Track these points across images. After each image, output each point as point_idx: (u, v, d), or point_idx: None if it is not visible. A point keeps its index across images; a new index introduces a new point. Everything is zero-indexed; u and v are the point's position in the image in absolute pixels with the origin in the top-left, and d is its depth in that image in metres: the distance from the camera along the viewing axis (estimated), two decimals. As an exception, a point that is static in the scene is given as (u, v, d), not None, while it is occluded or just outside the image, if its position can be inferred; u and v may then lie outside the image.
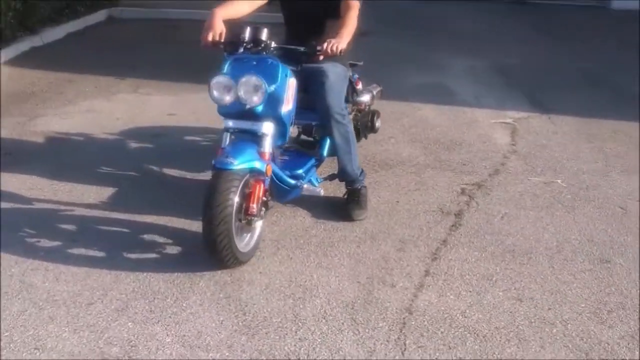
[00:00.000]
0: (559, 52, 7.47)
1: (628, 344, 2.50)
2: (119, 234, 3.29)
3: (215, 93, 2.95)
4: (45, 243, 3.18)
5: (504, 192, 3.85)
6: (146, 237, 3.26)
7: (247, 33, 3.08)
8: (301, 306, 2.70)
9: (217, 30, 3.13)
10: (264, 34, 3.06)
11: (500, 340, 2.51)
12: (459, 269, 3.01)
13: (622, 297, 2.81)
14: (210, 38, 3.14)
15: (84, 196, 3.69)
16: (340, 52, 3.06)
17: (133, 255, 3.07)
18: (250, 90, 2.89)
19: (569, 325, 2.61)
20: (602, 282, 2.93)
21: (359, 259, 3.08)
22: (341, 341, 2.48)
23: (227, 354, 2.41)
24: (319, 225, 3.38)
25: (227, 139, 3.03)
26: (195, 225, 3.16)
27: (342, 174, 3.47)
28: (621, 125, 5.00)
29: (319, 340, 2.48)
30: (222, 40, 3.12)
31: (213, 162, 2.85)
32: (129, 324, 2.58)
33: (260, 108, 2.94)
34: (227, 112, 3.02)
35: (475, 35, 8.12)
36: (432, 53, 7.15)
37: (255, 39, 3.06)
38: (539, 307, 2.72)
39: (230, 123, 3.02)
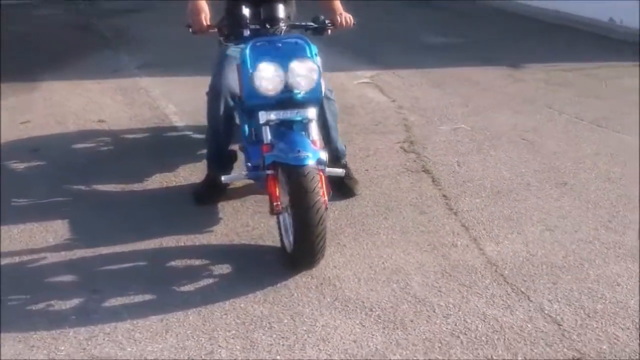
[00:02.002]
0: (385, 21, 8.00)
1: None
2: (134, 271, 2.77)
3: (263, 83, 2.64)
4: (63, 305, 2.50)
5: (433, 144, 4.20)
6: (173, 264, 2.80)
7: (264, 11, 2.79)
8: (407, 287, 2.68)
9: (207, 12, 2.78)
10: (281, 11, 2.80)
11: (578, 262, 2.86)
12: (483, 216, 3.27)
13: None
14: (204, 22, 2.76)
15: (42, 239, 2.97)
16: (354, 23, 2.99)
17: (184, 288, 2.63)
18: (304, 75, 2.65)
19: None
20: (584, 197, 3.48)
21: (399, 230, 3.12)
22: (479, 307, 2.55)
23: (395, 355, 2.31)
24: (332, 208, 3.29)
25: (268, 132, 2.73)
26: (213, 237, 2.99)
27: (335, 151, 3.41)
28: (448, 72, 5.76)
29: (461, 312, 2.52)
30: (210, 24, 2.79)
31: (275, 159, 2.60)
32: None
33: (309, 94, 2.72)
34: (266, 103, 2.72)
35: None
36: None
37: (272, 18, 2.79)
38: (570, 229, 3.14)
39: (273, 115, 2.73)
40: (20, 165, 3.73)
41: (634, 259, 2.89)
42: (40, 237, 2.99)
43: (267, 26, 2.82)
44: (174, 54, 6.05)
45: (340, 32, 3.12)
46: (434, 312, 2.52)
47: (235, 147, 3.39)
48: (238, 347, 2.29)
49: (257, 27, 2.82)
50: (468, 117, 4.69)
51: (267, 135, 2.73)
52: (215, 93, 3.11)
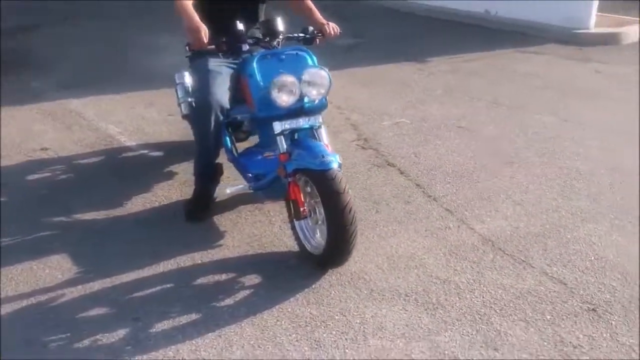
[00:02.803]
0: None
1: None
2: (165, 294, 2.76)
3: (281, 96, 2.73)
4: (111, 337, 2.46)
5: (385, 139, 4.48)
6: (201, 282, 2.83)
7: (263, 25, 2.89)
8: (427, 270, 2.92)
9: (206, 30, 2.85)
10: (280, 24, 2.92)
11: (554, 229, 3.25)
12: (459, 199, 3.60)
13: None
14: (205, 39, 2.82)
15: (49, 276, 2.87)
16: (340, 32, 3.16)
17: (224, 303, 2.68)
18: (317, 84, 2.79)
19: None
20: (532, 172, 3.93)
21: (394, 220, 3.36)
22: (494, 279, 2.85)
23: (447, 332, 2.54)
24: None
25: (283, 142, 2.84)
26: (227, 250, 3.03)
27: None
28: (368, 71, 6.11)
29: (483, 285, 2.80)
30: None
31: (299, 166, 2.72)
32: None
33: (319, 101, 2.86)
34: (278, 113, 2.82)
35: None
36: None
37: (271, 32, 2.90)
38: (535, 201, 3.55)
39: (287, 125, 2.84)
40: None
41: (596, 220, 3.34)
42: (46, 275, 2.85)
43: (267, 39, 2.92)
44: (93, 72, 5.83)
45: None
46: (460, 289, 2.78)
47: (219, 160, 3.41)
48: (306, 348, 2.40)
49: (256, 41, 2.91)
50: (404, 111, 5.02)
51: (283, 144, 2.83)
52: (205, 109, 3.13)
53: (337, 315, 2.59)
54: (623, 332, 2.50)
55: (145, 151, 4.25)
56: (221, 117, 3.19)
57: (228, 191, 3.08)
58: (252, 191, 3.15)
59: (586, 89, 5.72)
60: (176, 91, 3.94)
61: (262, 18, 3.44)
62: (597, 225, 3.30)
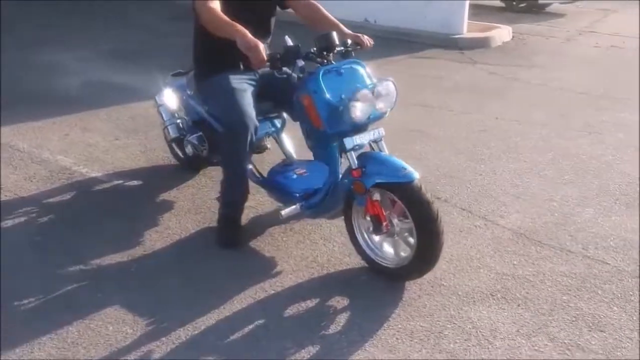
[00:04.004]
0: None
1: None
2: (257, 333, 2.56)
3: (363, 111, 2.67)
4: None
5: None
6: (287, 314, 2.67)
7: (321, 40, 2.80)
8: (491, 269, 3.04)
9: (262, 45, 2.73)
10: (336, 38, 2.85)
11: (565, 216, 3.57)
12: (467, 197, 3.78)
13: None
14: (264, 55, 2.70)
15: (115, 333, 2.51)
16: (372, 43, 3.16)
17: (330, 331, 2.57)
18: (389, 96, 2.77)
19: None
20: (508, 167, 4.24)
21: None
22: (554, 269, 3.05)
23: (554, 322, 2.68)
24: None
25: (354, 157, 2.78)
26: (290, 277, 2.90)
27: None
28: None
29: (548, 275, 2.99)
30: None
31: (381, 181, 2.68)
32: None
33: (384, 113, 2.84)
34: (345, 129, 2.75)
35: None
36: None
37: (329, 46, 2.83)
38: (532, 192, 3.84)
39: (358, 140, 2.78)
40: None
41: (588, 205, 3.72)
42: (113, 332, 2.48)
43: (324, 53, 2.83)
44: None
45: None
46: (531, 281, 2.94)
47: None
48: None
49: (314, 56, 2.81)
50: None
51: (354, 160, 2.76)
52: (240, 130, 2.93)
53: (448, 324, 2.60)
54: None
55: (120, 181, 3.86)
56: (254, 138, 3.03)
57: (284, 214, 2.92)
58: (302, 211, 3.01)
59: (492, 89, 6.27)
60: (160, 114, 3.67)
61: (272, 31, 3.31)
62: (592, 209, 3.67)
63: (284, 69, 2.80)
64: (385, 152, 2.88)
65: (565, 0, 11.96)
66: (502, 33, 8.70)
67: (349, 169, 2.79)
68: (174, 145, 3.80)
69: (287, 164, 3.30)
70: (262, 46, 2.69)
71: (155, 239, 3.19)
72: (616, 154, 4.52)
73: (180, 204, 3.57)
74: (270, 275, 2.90)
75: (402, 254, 2.83)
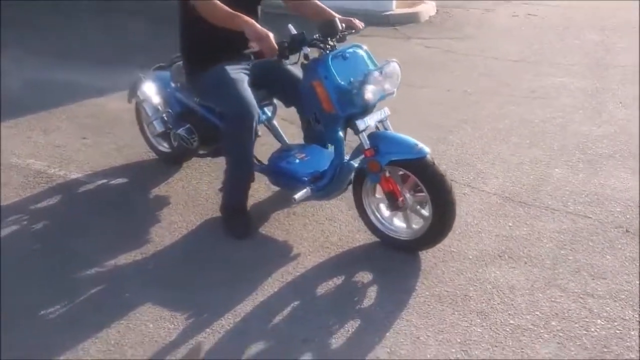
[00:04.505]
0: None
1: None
2: (304, 310, 2.65)
3: (374, 92, 2.78)
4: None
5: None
6: (323, 291, 2.78)
7: (325, 26, 2.88)
8: (492, 232, 3.27)
9: (271, 34, 2.79)
10: (339, 24, 2.93)
11: (562, 181, 3.85)
12: (450, 166, 3.99)
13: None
14: (275, 44, 2.76)
15: (167, 332, 2.53)
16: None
17: (369, 304, 2.70)
18: (395, 77, 2.89)
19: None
20: (481, 145, 4.49)
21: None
22: (551, 224, 3.31)
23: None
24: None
25: (366, 138, 2.89)
26: (310, 259, 3.00)
27: None
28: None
29: (549, 233, 3.25)
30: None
31: (396, 158, 2.81)
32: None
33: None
34: (354, 112, 2.86)
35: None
36: None
37: (333, 32, 2.91)
38: (516, 163, 4.10)
39: (368, 120, 2.89)
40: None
41: (556, 165, 4.02)
42: (160, 331, 2.50)
43: (328, 39, 2.90)
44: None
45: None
46: (529, 240, 3.17)
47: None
48: (490, 328, 2.56)
49: (318, 42, 2.87)
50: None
51: (366, 140, 2.87)
52: (247, 119, 2.96)
53: (469, 287, 2.78)
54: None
55: (104, 180, 3.78)
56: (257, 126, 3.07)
57: (297, 198, 3.00)
58: (312, 194, 3.08)
59: (434, 62, 6.52)
60: (143, 109, 3.63)
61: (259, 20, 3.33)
62: (560, 169, 3.97)
63: (290, 56, 2.85)
64: (391, 130, 3.00)
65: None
66: (428, 7, 8.97)
67: (360, 149, 2.90)
68: (160, 139, 3.75)
69: (286, 149, 3.36)
70: (272, 35, 2.73)
71: (163, 235, 3.18)
72: (565, 116, 4.87)
73: (175, 198, 3.55)
74: (290, 259, 2.98)
75: (415, 226, 2.97)
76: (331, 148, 3.21)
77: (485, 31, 8.17)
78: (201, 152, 3.58)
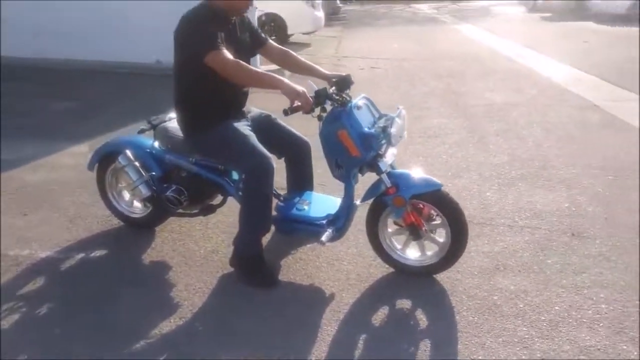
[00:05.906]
0: None
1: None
2: (377, 340, 2.83)
3: (396, 136, 3.10)
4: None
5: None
6: (377, 323, 2.97)
7: (341, 81, 3.18)
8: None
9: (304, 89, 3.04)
10: (351, 79, 3.25)
11: (544, 177, 4.43)
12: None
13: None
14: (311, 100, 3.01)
15: None
16: None
17: (423, 327, 2.96)
18: (405, 122, 3.24)
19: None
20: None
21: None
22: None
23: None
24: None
25: (386, 177, 3.18)
26: (346, 293, 3.25)
27: None
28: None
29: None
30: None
31: (417, 192, 3.15)
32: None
33: (403, 137, 3.31)
34: (374, 155, 3.15)
35: None
36: None
37: (346, 86, 3.22)
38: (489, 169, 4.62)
39: (388, 161, 3.19)
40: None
41: (485, 188, 4.65)
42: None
43: (343, 93, 3.17)
44: None
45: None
46: (511, 252, 3.67)
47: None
48: (533, 333, 2.95)
49: (338, 97, 3.12)
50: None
51: (387, 180, 3.15)
52: (267, 172, 3.09)
53: (492, 297, 3.16)
54: (601, 236, 3.84)
55: (81, 254, 3.56)
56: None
57: (324, 240, 3.16)
58: (334, 235, 3.25)
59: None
60: (127, 174, 3.57)
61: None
62: (492, 193, 4.59)
63: (316, 109, 3.07)
64: (397, 169, 3.33)
65: (306, 31, 13.38)
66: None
67: (379, 188, 3.17)
68: (146, 203, 3.64)
69: (287, 198, 3.50)
70: (305, 90, 2.94)
71: (185, 298, 3.12)
72: (463, 150, 5.57)
73: (173, 261, 3.47)
74: (329, 299, 3.11)
75: (428, 252, 3.31)
76: (320, 193, 3.50)
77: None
78: (189, 211, 3.57)
